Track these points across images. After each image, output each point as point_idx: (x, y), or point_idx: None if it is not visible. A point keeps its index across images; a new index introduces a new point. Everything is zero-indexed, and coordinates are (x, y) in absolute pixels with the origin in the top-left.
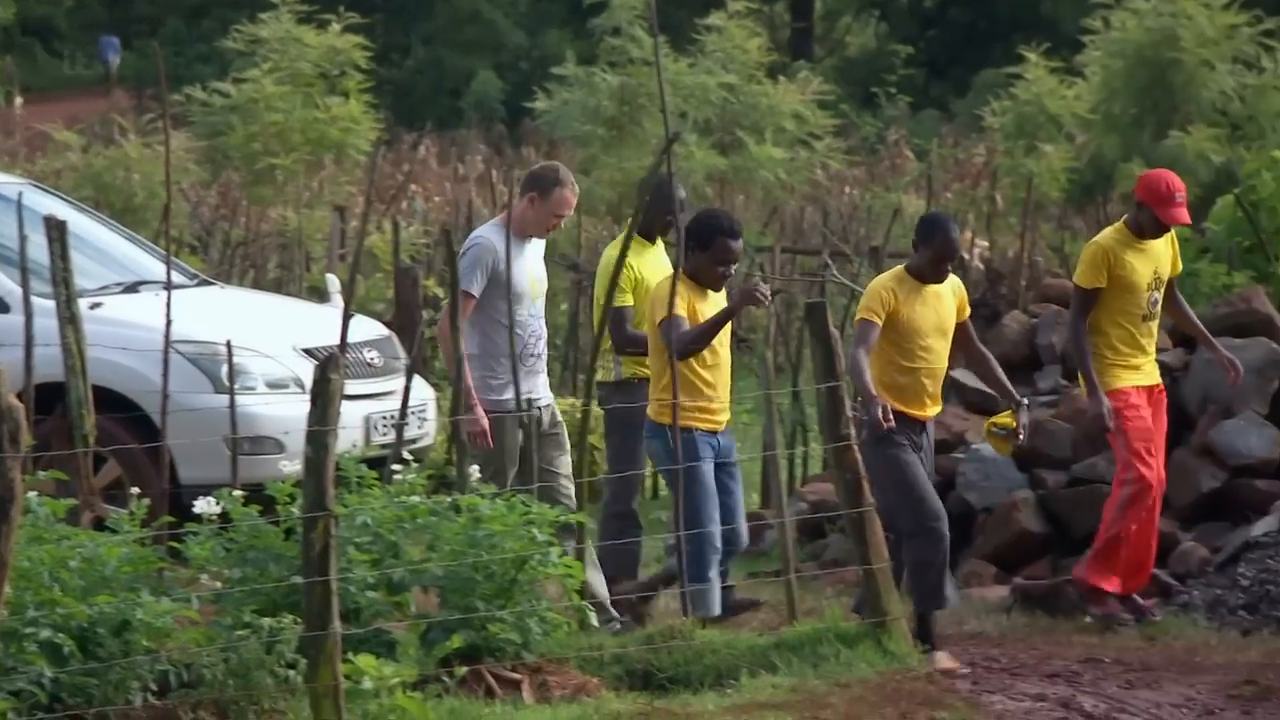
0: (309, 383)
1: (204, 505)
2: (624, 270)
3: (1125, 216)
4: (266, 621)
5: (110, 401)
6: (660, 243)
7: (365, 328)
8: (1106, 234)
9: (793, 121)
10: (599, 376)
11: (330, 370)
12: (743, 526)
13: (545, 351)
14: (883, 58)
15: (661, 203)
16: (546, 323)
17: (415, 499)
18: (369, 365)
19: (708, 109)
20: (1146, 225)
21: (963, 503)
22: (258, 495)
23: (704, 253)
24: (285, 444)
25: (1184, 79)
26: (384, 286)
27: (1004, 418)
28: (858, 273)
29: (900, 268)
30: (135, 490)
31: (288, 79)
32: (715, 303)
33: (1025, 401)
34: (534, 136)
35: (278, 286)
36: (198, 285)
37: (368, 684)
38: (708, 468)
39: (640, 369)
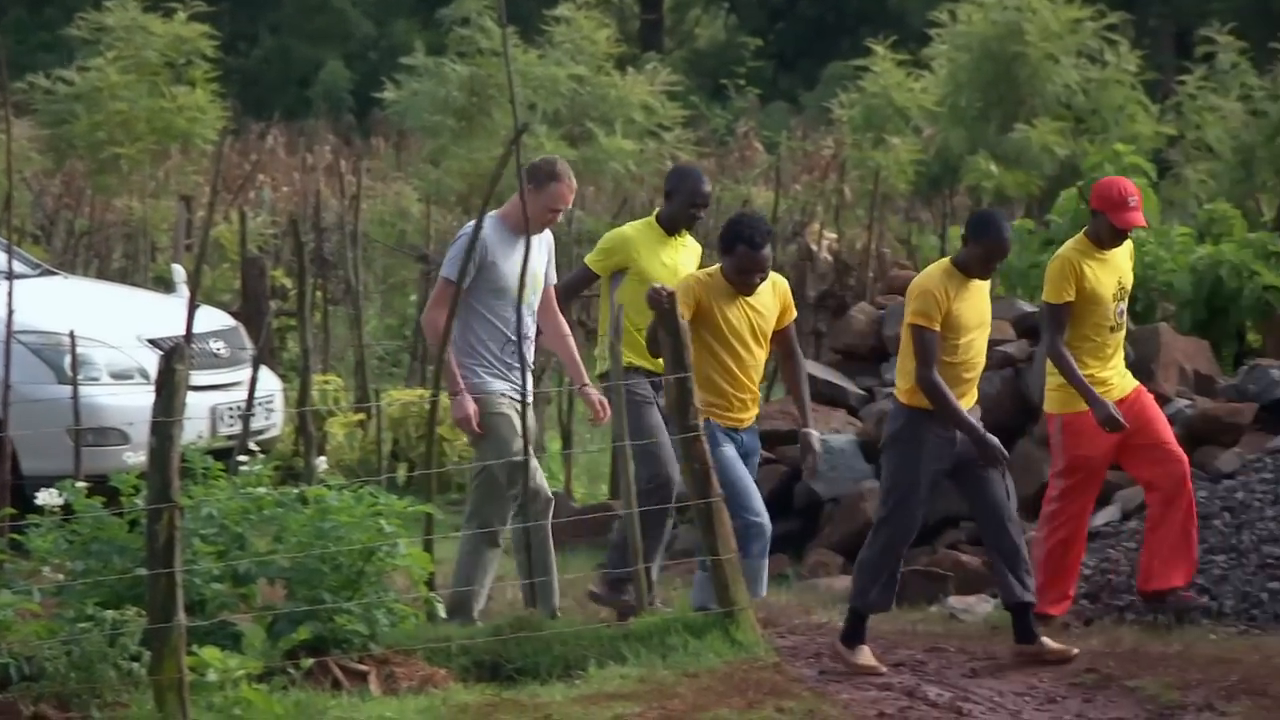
0: (154, 373)
1: (46, 497)
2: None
3: (1085, 229)
4: (110, 614)
5: None
6: (689, 237)
7: (211, 318)
8: (1068, 247)
9: (642, 113)
10: (597, 369)
11: (176, 361)
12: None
13: (530, 351)
14: (732, 50)
15: (687, 196)
16: (394, 311)
17: (261, 490)
18: (215, 356)
19: (557, 100)
20: (1104, 234)
21: (810, 493)
22: (102, 487)
23: (728, 257)
24: (130, 435)
25: (1029, 73)
26: (231, 277)
27: None
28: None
29: (946, 261)
30: None
31: (133, 67)
32: (747, 306)
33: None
34: (383, 127)
35: (123, 277)
36: (40, 275)
37: (212, 676)
38: (729, 450)
39: (634, 358)
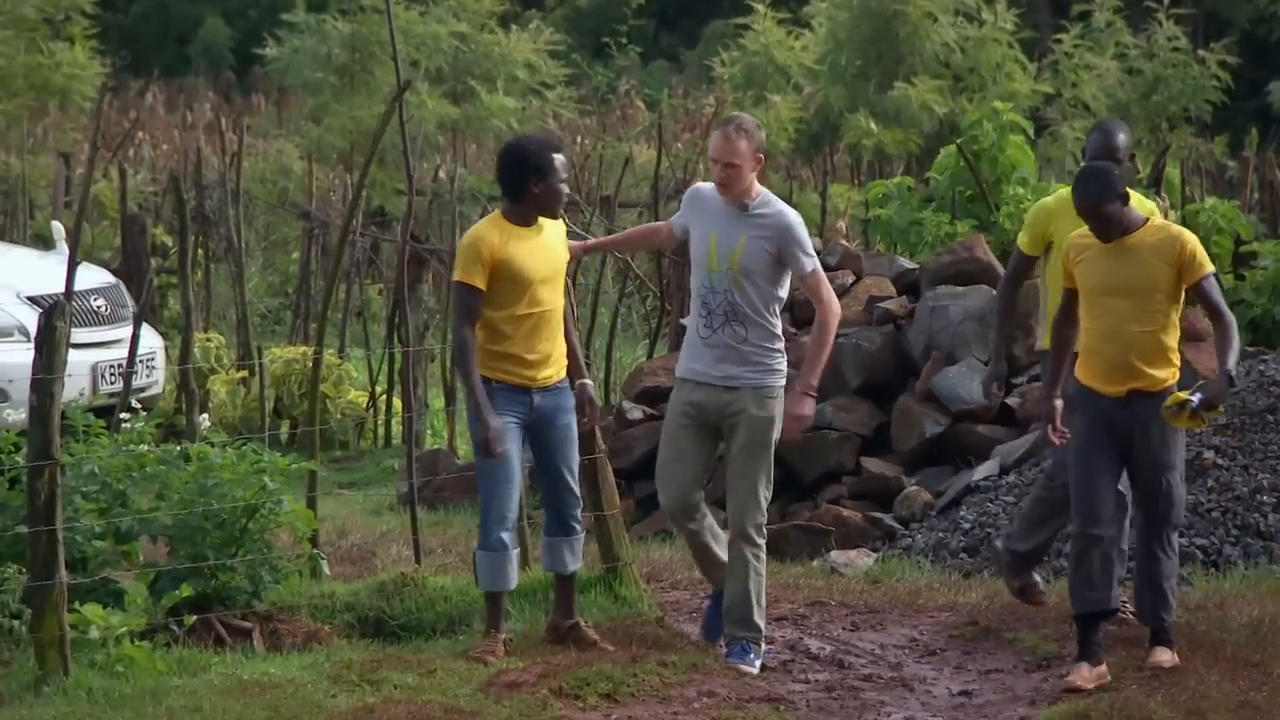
0: (34, 331)
1: None
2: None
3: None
4: None
5: None
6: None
7: (92, 275)
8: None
9: (525, 71)
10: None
11: (56, 318)
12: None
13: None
14: (613, 8)
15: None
16: (276, 269)
17: (144, 448)
18: (96, 314)
19: (439, 58)
20: None
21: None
22: None
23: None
24: (10, 393)
25: (908, 31)
26: (111, 234)
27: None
28: (589, 222)
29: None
30: None
31: (10, 23)
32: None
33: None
34: (263, 84)
35: (1, 234)
36: None
37: (95, 634)
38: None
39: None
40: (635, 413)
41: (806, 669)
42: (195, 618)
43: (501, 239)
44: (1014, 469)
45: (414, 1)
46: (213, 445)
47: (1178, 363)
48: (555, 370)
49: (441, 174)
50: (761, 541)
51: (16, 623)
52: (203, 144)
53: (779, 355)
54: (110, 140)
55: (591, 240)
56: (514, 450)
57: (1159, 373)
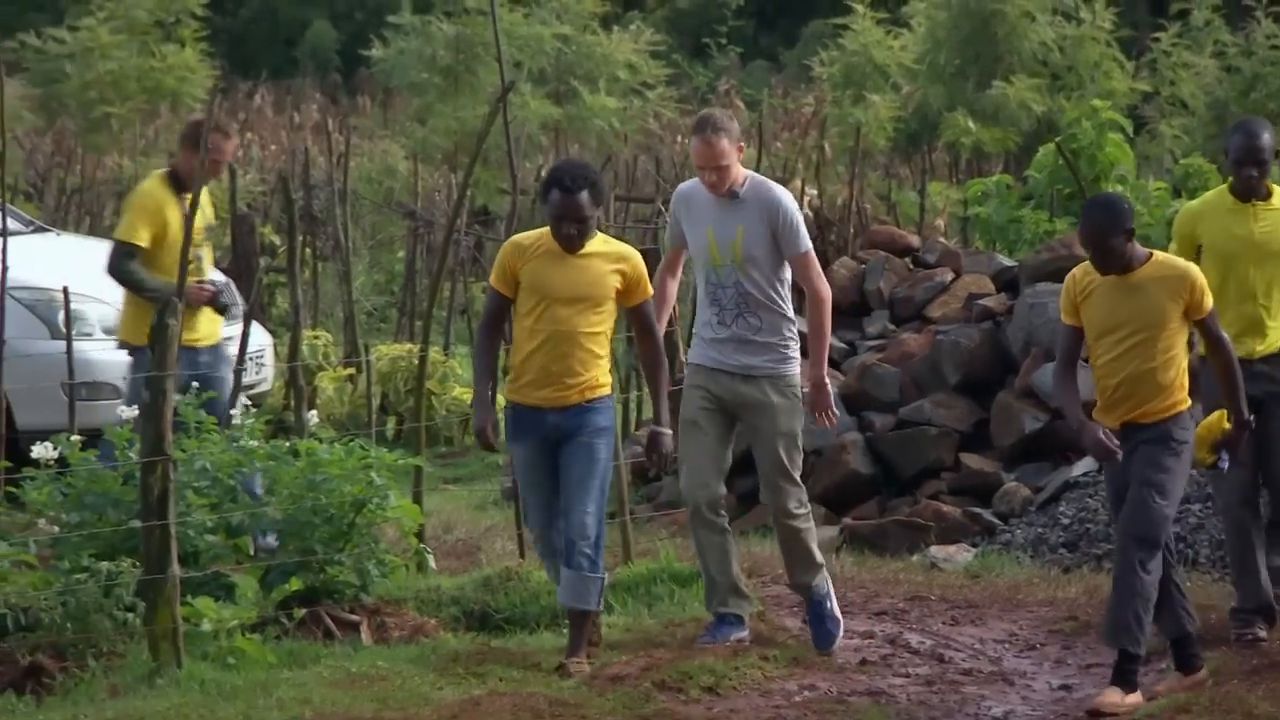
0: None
1: (41, 451)
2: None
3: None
4: (105, 565)
5: None
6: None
7: None
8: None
9: (626, 71)
10: None
11: (168, 316)
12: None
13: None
14: (713, 9)
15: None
16: (381, 267)
17: (254, 443)
18: None
19: (542, 59)
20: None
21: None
22: (96, 440)
23: (545, 206)
24: (122, 389)
25: (1006, 30)
26: (220, 234)
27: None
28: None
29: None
30: None
31: (123, 27)
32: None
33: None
34: (369, 85)
35: (113, 234)
36: (33, 232)
37: (206, 626)
38: (520, 453)
39: None
40: None
41: (906, 663)
42: (304, 611)
43: (531, 252)
44: None
45: (518, 3)
46: (321, 441)
47: (1184, 393)
48: (577, 391)
49: (544, 173)
50: (804, 511)
51: (131, 615)
52: (310, 145)
53: (793, 341)
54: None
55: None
56: (542, 475)
57: (1157, 405)
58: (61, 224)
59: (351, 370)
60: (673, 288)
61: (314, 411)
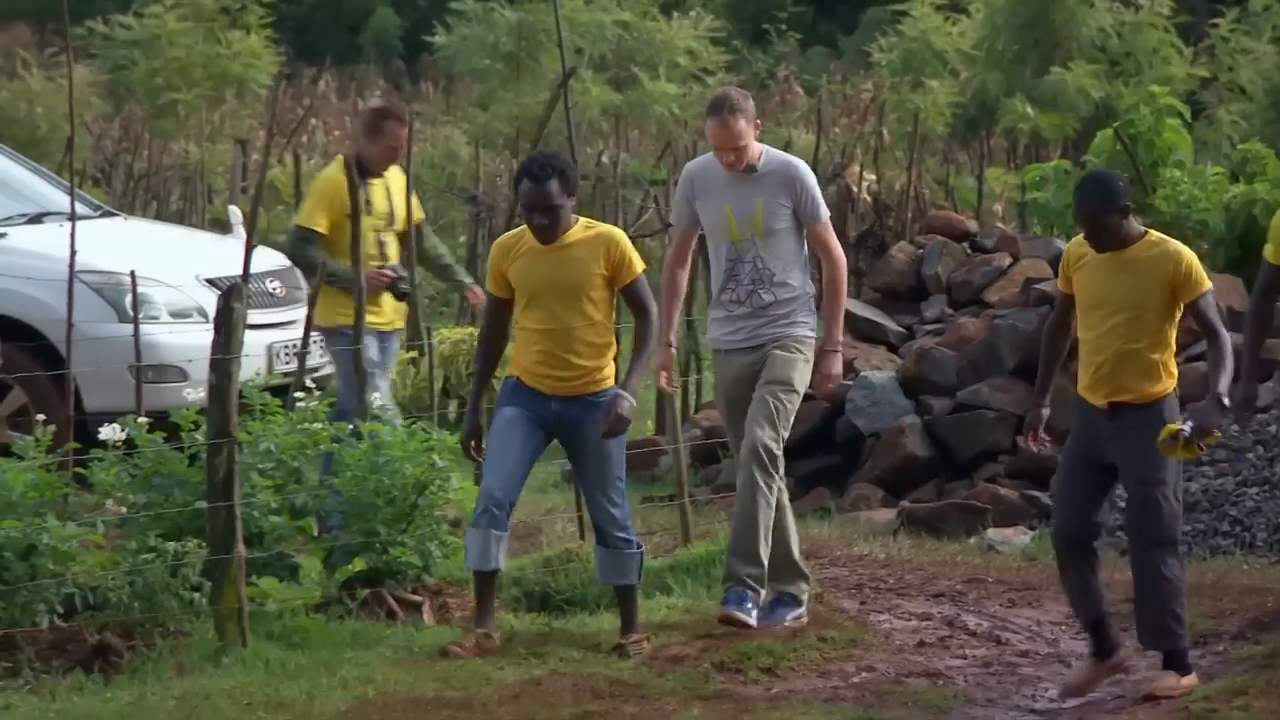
0: (212, 312)
1: (109, 432)
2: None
3: None
4: (171, 545)
5: (15, 330)
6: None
7: (267, 258)
8: None
9: (686, 57)
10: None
11: (233, 299)
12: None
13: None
14: None
15: None
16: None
17: (317, 426)
18: (271, 295)
19: (603, 45)
20: None
21: (851, 428)
22: (162, 422)
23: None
24: (189, 372)
25: (1064, 16)
26: (285, 218)
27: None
28: None
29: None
30: (40, 417)
31: (190, 14)
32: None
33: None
34: (432, 72)
35: (180, 218)
36: (101, 216)
37: (271, 606)
38: (505, 413)
39: None
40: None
41: (964, 645)
42: (367, 591)
43: (515, 250)
44: None
45: None
46: (383, 424)
47: (1170, 377)
48: (580, 382)
49: (604, 159)
50: (773, 472)
51: (197, 595)
52: None
53: (806, 312)
54: (285, 127)
55: (665, 352)
56: (518, 440)
57: (1146, 388)
58: (129, 208)
59: (414, 354)
60: (683, 278)
61: (377, 394)
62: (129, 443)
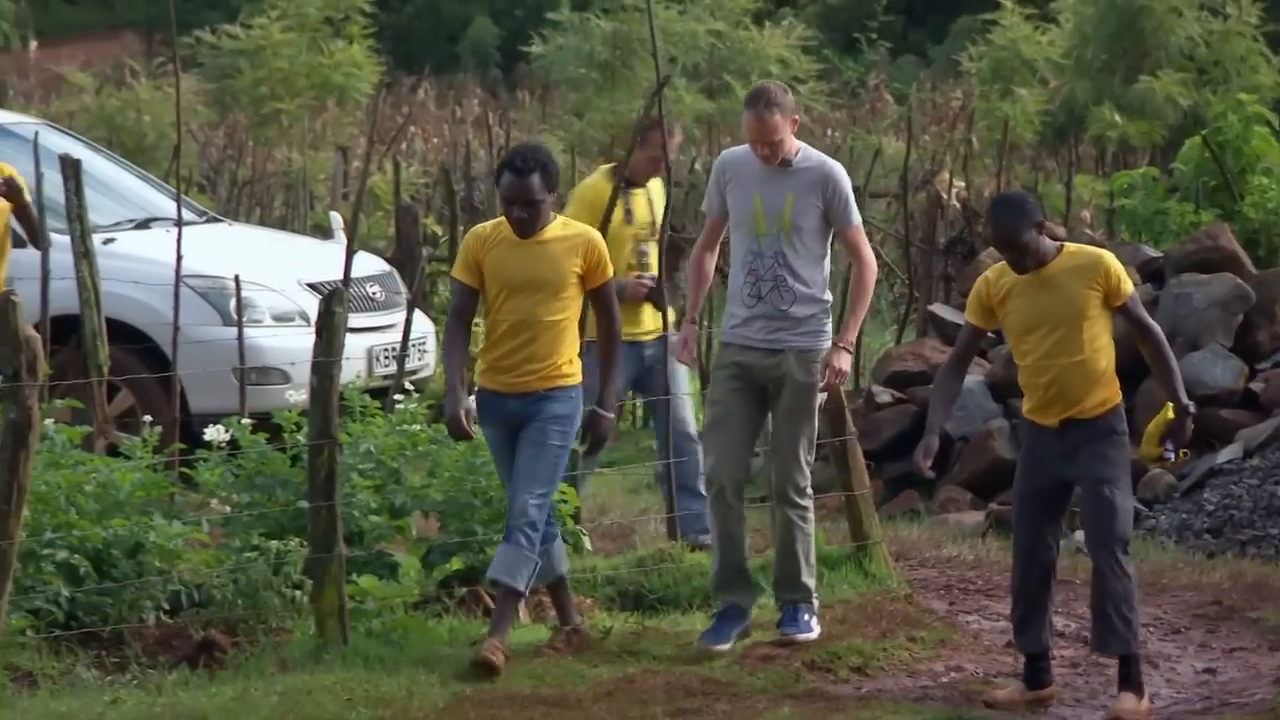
0: (314, 316)
1: (214, 433)
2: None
3: None
4: (274, 544)
5: (123, 333)
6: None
7: (367, 263)
8: None
9: (778, 66)
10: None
11: (335, 304)
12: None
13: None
14: (863, 5)
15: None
16: None
17: (416, 427)
18: (371, 299)
19: (696, 54)
20: None
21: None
22: (265, 424)
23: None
24: (291, 375)
25: (1153, 25)
26: (385, 224)
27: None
28: None
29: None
30: (147, 418)
31: (294, 25)
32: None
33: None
34: (528, 80)
35: (283, 224)
36: (206, 222)
37: (370, 604)
38: (489, 433)
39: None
40: (884, 396)
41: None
42: (465, 590)
43: (491, 241)
44: (1257, 452)
45: (673, 0)
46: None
47: (1115, 384)
48: (537, 378)
49: (697, 166)
50: (806, 503)
51: (298, 593)
52: (471, 138)
53: (825, 318)
54: (384, 135)
55: (688, 327)
56: (509, 459)
57: (1093, 399)
58: (233, 214)
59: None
60: (710, 263)
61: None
62: (233, 443)
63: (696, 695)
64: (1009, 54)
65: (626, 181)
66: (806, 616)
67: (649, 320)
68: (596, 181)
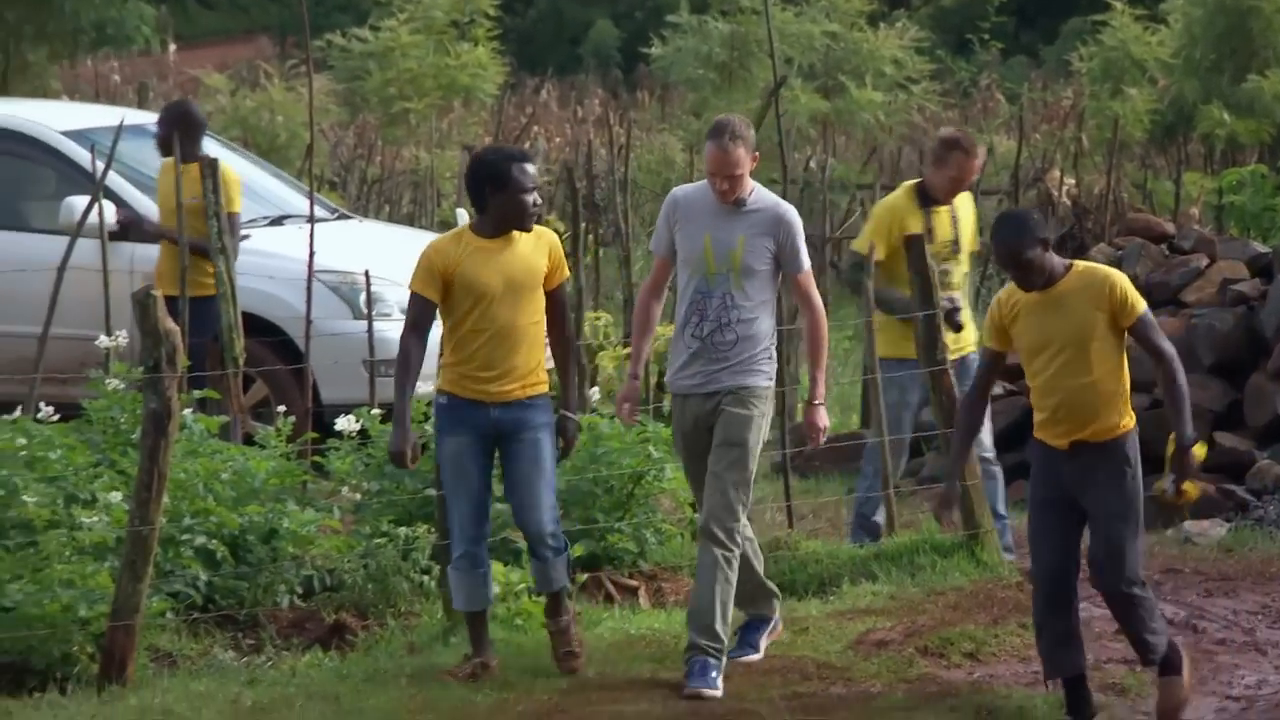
0: None
1: (344, 423)
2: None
3: None
4: (402, 531)
5: (258, 326)
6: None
7: None
8: None
9: (891, 67)
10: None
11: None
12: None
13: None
14: (976, 6)
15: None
16: None
17: None
18: None
19: (812, 55)
20: None
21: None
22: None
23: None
24: None
25: (1262, 25)
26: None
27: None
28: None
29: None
30: (281, 409)
31: (422, 27)
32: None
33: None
34: (648, 81)
35: (411, 221)
36: (337, 219)
37: (495, 589)
38: (450, 443)
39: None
40: (995, 388)
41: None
42: (587, 576)
43: (459, 252)
44: None
45: (789, 2)
46: (602, 416)
47: (1129, 412)
48: (519, 385)
49: (813, 164)
50: (732, 546)
51: (426, 578)
52: (592, 137)
53: (766, 360)
54: (509, 134)
55: (631, 381)
56: (474, 468)
57: (1106, 421)
58: (363, 211)
59: (630, 349)
60: (657, 310)
61: (595, 388)
62: (363, 433)
63: (812, 679)
64: (1119, 54)
65: (929, 199)
66: (714, 674)
67: (948, 340)
68: (895, 199)
